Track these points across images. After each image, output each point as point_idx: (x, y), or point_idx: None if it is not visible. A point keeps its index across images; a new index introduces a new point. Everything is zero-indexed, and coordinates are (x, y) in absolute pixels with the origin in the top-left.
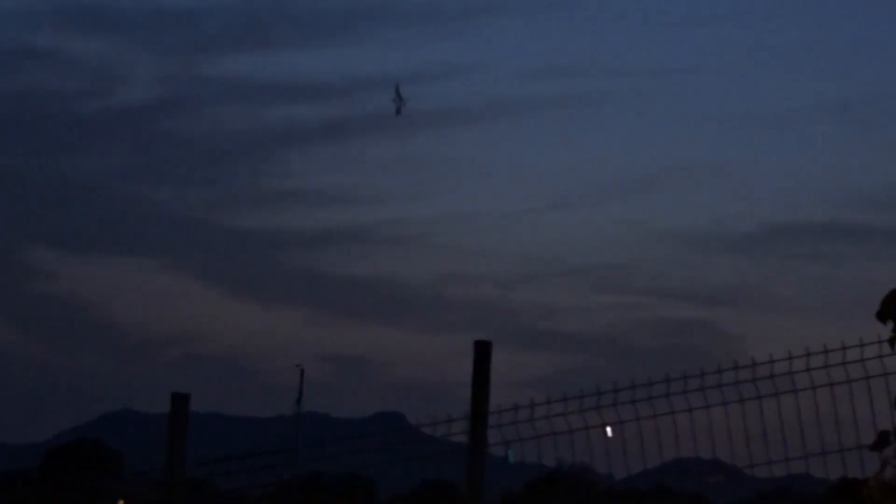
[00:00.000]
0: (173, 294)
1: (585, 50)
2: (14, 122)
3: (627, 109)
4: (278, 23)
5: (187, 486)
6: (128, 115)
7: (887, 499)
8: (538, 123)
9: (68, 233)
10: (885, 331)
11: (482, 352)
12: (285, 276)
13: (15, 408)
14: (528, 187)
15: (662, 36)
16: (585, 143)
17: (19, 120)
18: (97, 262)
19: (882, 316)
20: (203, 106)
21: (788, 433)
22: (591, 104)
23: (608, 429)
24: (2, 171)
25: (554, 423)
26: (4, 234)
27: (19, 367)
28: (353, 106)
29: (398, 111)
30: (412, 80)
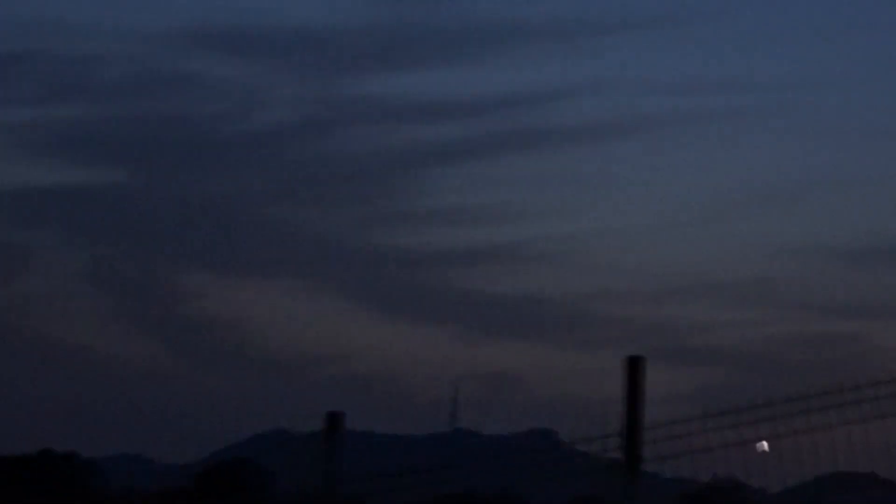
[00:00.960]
0: (322, 314)
1: (720, 65)
2: (160, 146)
3: (766, 124)
4: (416, 44)
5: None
6: (269, 138)
7: None
8: (677, 139)
9: (219, 255)
10: None
11: (635, 367)
12: (433, 295)
13: (168, 428)
14: (670, 203)
15: (799, 49)
16: (725, 157)
17: (166, 144)
18: (247, 284)
19: None
20: (344, 126)
21: None
22: (729, 119)
23: (764, 443)
24: (150, 194)
25: (709, 438)
26: (157, 258)
27: (172, 387)
28: (492, 124)
29: None
30: (551, 97)
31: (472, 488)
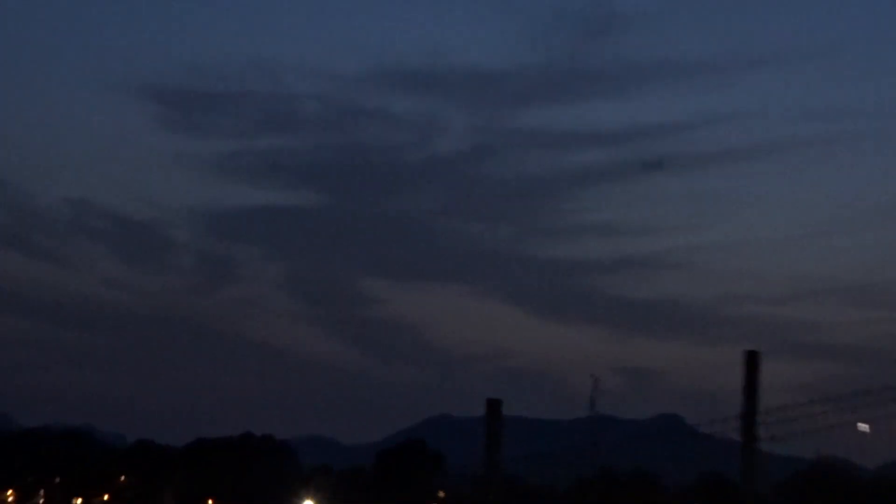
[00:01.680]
0: (485, 315)
1: (838, 95)
2: (348, 171)
3: (881, 146)
4: (571, 81)
5: (501, 481)
6: (445, 163)
7: None
8: (799, 162)
9: (396, 264)
10: None
11: (752, 360)
12: (580, 299)
13: (351, 414)
14: (791, 217)
15: None
16: (841, 176)
17: (353, 169)
18: (420, 289)
19: None
20: (509, 153)
21: None
22: (846, 142)
23: (864, 425)
24: (338, 213)
25: (816, 421)
26: (343, 267)
27: (354, 378)
28: (638, 150)
29: None
30: (691, 126)
31: (611, 470)
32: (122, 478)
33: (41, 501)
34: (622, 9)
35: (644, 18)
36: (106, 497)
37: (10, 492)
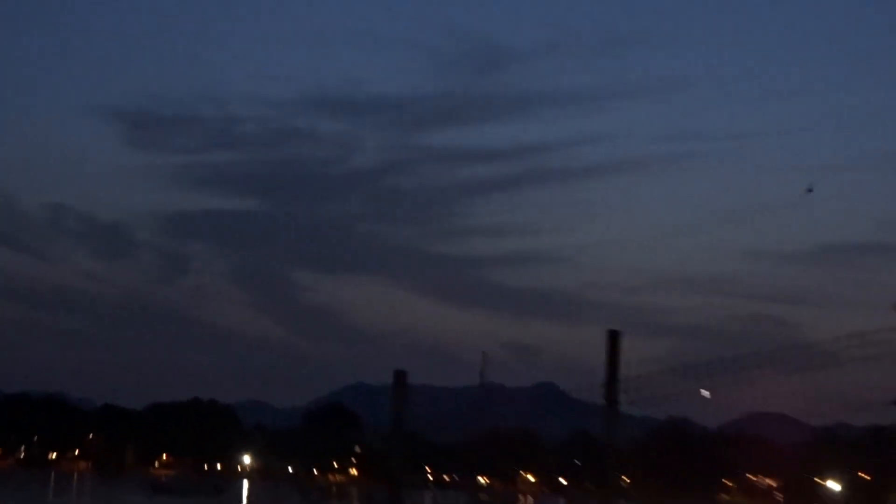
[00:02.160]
0: (394, 301)
1: (686, 122)
2: (282, 181)
3: (717, 165)
4: (465, 108)
5: (407, 437)
6: (361, 175)
7: None
8: (655, 175)
9: (321, 259)
10: None
11: (614, 338)
12: (472, 287)
13: (283, 381)
14: (648, 221)
15: (742, 107)
16: (687, 189)
17: (286, 180)
18: (341, 280)
19: None
20: (414, 167)
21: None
22: (688, 160)
23: (706, 392)
24: (274, 216)
25: (667, 388)
26: (278, 262)
27: (287, 352)
28: (521, 165)
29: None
30: (566, 145)
31: (497, 428)
32: (91, 435)
33: (22, 456)
34: (509, 48)
35: (526, 56)
36: (77, 452)
37: None
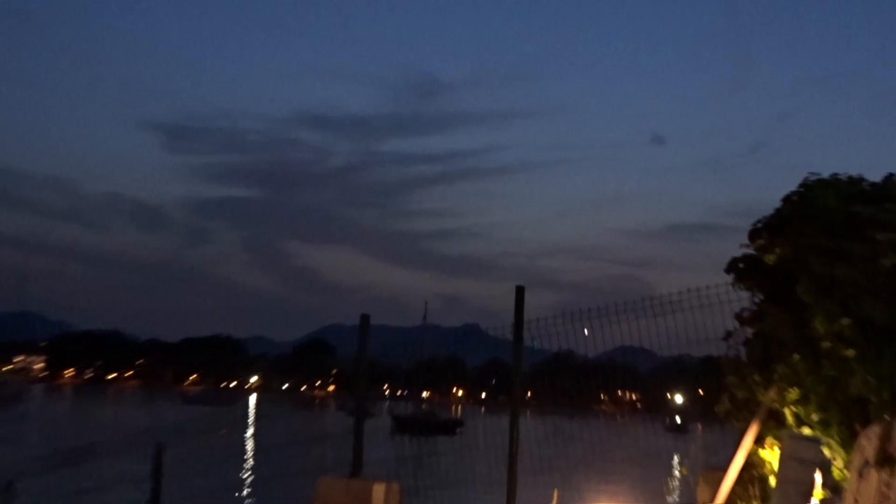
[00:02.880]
0: (361, 264)
1: (569, 134)
2: (277, 176)
3: (592, 166)
4: (412, 123)
5: (369, 363)
6: (336, 172)
7: (731, 367)
8: (549, 174)
9: (307, 233)
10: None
11: (520, 292)
12: (417, 255)
13: (280, 322)
14: (544, 207)
15: (603, 123)
16: (571, 184)
17: (280, 176)
18: (322, 248)
19: (727, 270)
20: (374, 167)
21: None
22: (574, 164)
23: (587, 331)
24: (272, 201)
25: (558, 329)
26: (276, 234)
27: (282, 301)
28: (453, 166)
29: None
30: (485, 152)
31: (434, 356)
32: (138, 361)
33: (87, 377)
34: (441, 79)
35: (454, 85)
36: (128, 374)
37: (70, 370)
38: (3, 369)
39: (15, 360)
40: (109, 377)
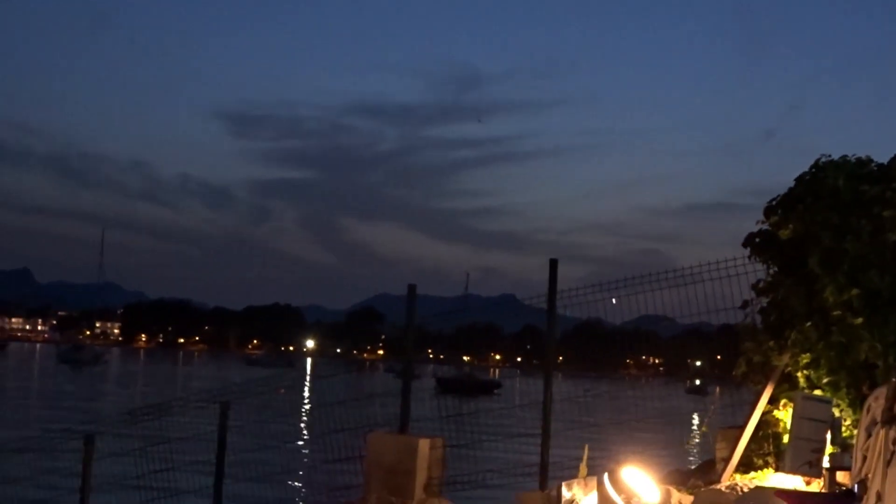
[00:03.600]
0: (408, 239)
1: (594, 122)
2: (332, 160)
3: (611, 153)
4: (454, 111)
5: (414, 330)
6: (385, 156)
7: (748, 334)
8: (575, 161)
9: (359, 210)
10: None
11: (553, 265)
12: (462, 231)
13: (334, 291)
14: (564, 188)
15: (629, 113)
16: (592, 169)
17: (335, 159)
18: (373, 225)
19: (744, 245)
20: (419, 151)
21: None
22: (585, 150)
23: (614, 300)
24: (327, 183)
25: (588, 298)
26: (330, 212)
27: (337, 272)
28: (490, 150)
29: None
30: (518, 137)
31: (475, 323)
32: (206, 328)
33: (160, 341)
34: (482, 71)
35: (494, 77)
36: (196, 338)
37: (143, 335)
38: (86, 333)
39: (95, 326)
40: (179, 341)
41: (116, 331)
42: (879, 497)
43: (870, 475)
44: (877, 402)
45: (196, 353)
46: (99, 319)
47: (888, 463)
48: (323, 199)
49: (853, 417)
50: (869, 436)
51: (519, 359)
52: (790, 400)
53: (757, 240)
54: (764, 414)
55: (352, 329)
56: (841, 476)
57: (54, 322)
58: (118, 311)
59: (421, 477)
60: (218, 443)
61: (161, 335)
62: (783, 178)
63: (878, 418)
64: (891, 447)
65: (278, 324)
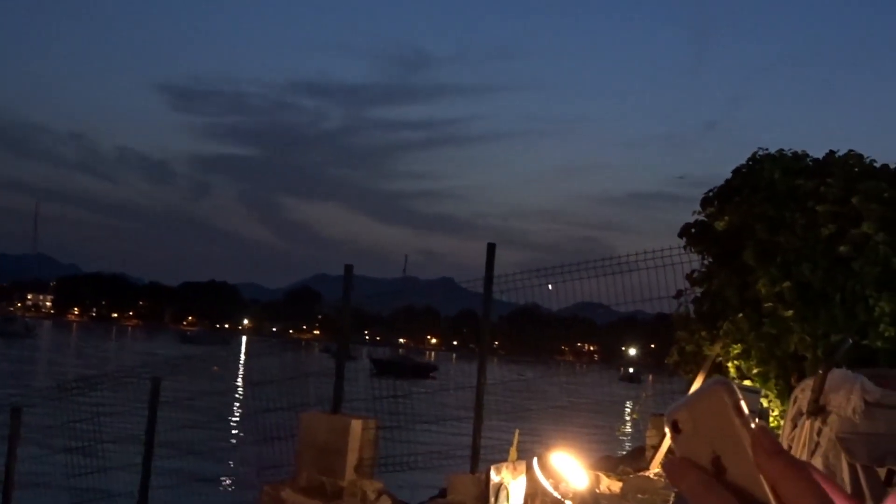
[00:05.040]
0: (349, 219)
1: (537, 107)
2: (275, 137)
3: (548, 138)
4: (398, 93)
5: (351, 311)
6: (329, 135)
7: (681, 323)
8: (515, 146)
9: (300, 190)
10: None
11: (491, 249)
12: (402, 213)
13: (272, 270)
14: (505, 172)
15: (571, 99)
16: (529, 152)
17: (277, 136)
18: (313, 204)
19: (680, 235)
20: (363, 131)
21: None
22: (528, 135)
23: (550, 286)
24: (269, 160)
25: (524, 283)
26: (270, 190)
27: (276, 251)
28: (434, 132)
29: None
30: (462, 121)
31: (412, 305)
32: (141, 303)
33: (93, 315)
34: (428, 52)
35: (440, 59)
36: (131, 313)
37: (76, 309)
38: (17, 305)
39: (27, 298)
40: (113, 316)
41: (49, 303)
42: None
43: None
44: (803, 394)
45: (130, 329)
46: (31, 291)
47: (812, 453)
48: (264, 177)
49: (781, 408)
50: (795, 426)
51: (455, 342)
52: None
53: (693, 230)
54: None
55: (289, 308)
56: None
57: None
58: (51, 284)
59: (352, 457)
60: (148, 418)
61: (94, 309)
62: (721, 170)
63: (804, 409)
64: (815, 438)
65: (214, 301)
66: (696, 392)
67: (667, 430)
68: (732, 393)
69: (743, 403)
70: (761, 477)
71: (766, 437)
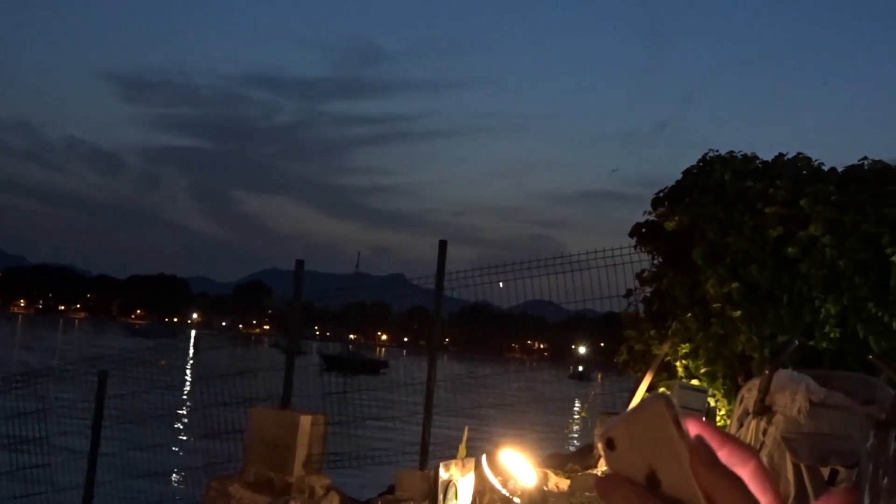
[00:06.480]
0: (300, 215)
1: (490, 105)
2: (227, 129)
3: (508, 134)
4: (353, 88)
5: (302, 306)
6: (281, 129)
7: (630, 322)
8: (470, 143)
9: (252, 183)
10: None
11: (443, 246)
12: (354, 208)
13: (222, 263)
14: (460, 168)
15: (524, 97)
16: (487, 149)
17: (229, 129)
18: (264, 198)
19: (630, 234)
20: (316, 125)
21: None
22: (484, 131)
23: (501, 284)
24: (220, 152)
25: (476, 280)
26: (223, 183)
27: (225, 245)
28: (386, 128)
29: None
30: (417, 117)
31: (363, 301)
32: (88, 295)
33: (40, 307)
34: (382, 48)
35: (394, 55)
36: (78, 306)
37: (22, 301)
38: None
39: None
40: (60, 308)
41: None
42: None
43: None
44: (750, 394)
45: (77, 321)
46: None
47: (757, 452)
48: (215, 170)
49: (727, 408)
50: (741, 426)
51: (406, 339)
52: (668, 388)
53: (643, 230)
54: None
55: (238, 302)
56: None
57: None
58: None
59: (301, 453)
60: (94, 412)
61: (41, 301)
62: (673, 170)
63: (751, 409)
64: (761, 437)
65: (163, 294)
66: (635, 408)
67: (599, 448)
68: (672, 406)
69: (681, 418)
70: (697, 489)
71: (704, 449)
